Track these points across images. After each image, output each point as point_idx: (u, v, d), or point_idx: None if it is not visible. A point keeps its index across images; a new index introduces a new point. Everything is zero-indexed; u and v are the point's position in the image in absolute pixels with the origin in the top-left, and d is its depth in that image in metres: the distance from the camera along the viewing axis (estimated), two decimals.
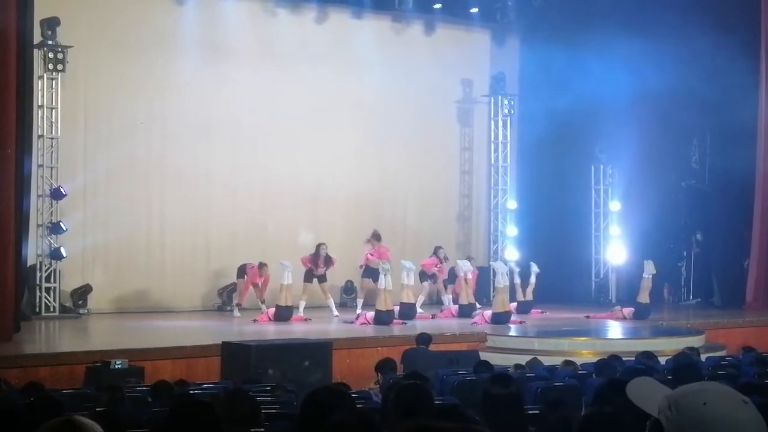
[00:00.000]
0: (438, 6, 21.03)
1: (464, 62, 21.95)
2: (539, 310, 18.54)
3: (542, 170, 21.40)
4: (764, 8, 19.26)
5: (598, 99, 19.96)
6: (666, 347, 13.43)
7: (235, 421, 5.91)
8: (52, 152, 17.23)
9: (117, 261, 18.42)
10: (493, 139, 22.12)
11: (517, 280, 18.52)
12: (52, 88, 17.22)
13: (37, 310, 16.81)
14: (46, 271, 17.00)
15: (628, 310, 17.98)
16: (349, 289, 19.83)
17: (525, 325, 16.77)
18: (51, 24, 17.08)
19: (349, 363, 13.17)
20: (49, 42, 17.06)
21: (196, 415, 4.05)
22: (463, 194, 22.31)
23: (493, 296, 18.29)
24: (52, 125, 17.25)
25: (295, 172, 19.73)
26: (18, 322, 14.53)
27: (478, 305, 17.98)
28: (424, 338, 12.98)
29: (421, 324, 16.06)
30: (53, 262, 17.07)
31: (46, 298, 16.91)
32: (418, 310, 17.59)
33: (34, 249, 16.79)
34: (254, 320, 16.66)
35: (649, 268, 18.11)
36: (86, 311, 17.50)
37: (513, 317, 17.08)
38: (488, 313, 16.88)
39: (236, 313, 17.50)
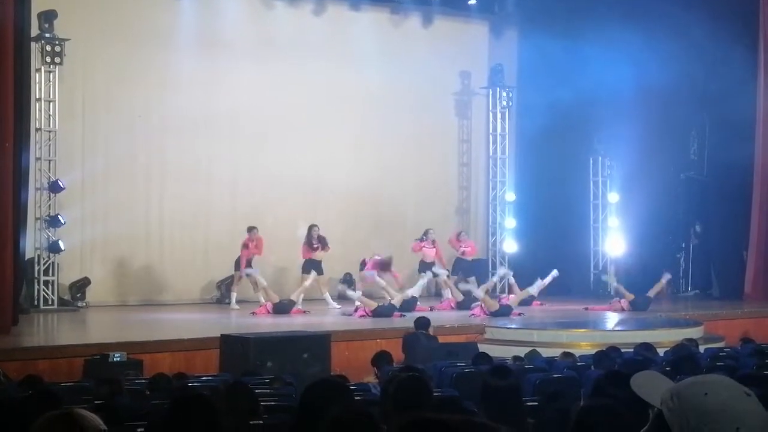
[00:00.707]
0: None
1: (462, 54, 21.92)
2: (538, 302, 18.54)
3: (541, 162, 21.38)
4: (762, 0, 19.25)
5: (596, 90, 19.93)
6: (665, 339, 13.43)
7: (235, 414, 5.92)
8: (50, 145, 17.21)
9: (115, 254, 18.42)
10: (491, 131, 22.10)
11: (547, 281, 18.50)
12: (49, 81, 17.20)
13: (36, 303, 16.81)
14: (44, 264, 16.99)
15: (626, 302, 17.99)
16: (348, 281, 19.80)
17: (524, 317, 16.77)
18: (48, 17, 17.05)
19: (348, 355, 13.18)
20: (47, 35, 17.02)
21: (195, 408, 4.05)
22: (462, 186, 22.31)
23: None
24: (49, 118, 17.22)
25: (293, 165, 19.71)
26: (16, 315, 14.52)
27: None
28: (423, 323, 13.08)
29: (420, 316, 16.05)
30: (51, 255, 17.06)
31: (44, 291, 16.90)
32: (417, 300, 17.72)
33: (32, 242, 16.79)
34: (253, 313, 16.66)
35: (666, 277, 18.39)
36: (85, 304, 17.50)
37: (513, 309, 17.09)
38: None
39: (233, 305, 17.49)
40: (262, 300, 17.17)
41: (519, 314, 16.99)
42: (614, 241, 21.44)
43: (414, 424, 1.92)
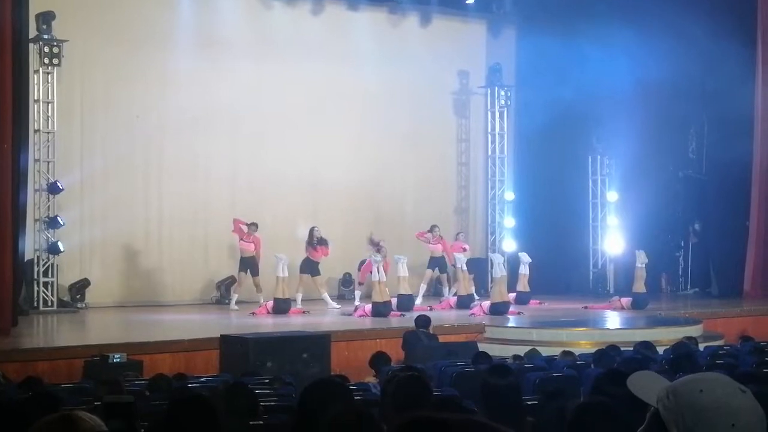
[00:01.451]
0: None
1: (460, 53, 21.92)
2: (537, 301, 18.55)
3: (539, 161, 21.38)
4: None
5: (595, 89, 19.95)
6: (664, 337, 13.45)
7: (235, 415, 5.92)
8: (48, 147, 17.20)
9: (115, 255, 18.41)
10: (489, 130, 22.10)
11: (525, 271, 18.52)
12: (47, 83, 17.19)
13: (35, 304, 16.80)
14: (43, 265, 16.98)
15: (626, 301, 18.00)
16: (347, 281, 19.84)
17: (523, 316, 16.78)
18: (46, 18, 17.04)
19: (348, 355, 13.19)
20: (45, 36, 17.01)
21: (194, 408, 4.05)
22: (461, 186, 22.31)
23: (491, 287, 18.31)
24: (48, 119, 17.22)
25: (292, 165, 19.71)
26: (16, 316, 14.52)
27: (476, 296, 18.01)
28: (423, 321, 13.13)
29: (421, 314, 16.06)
30: (51, 256, 17.05)
31: (43, 292, 16.90)
32: (420, 299, 17.70)
33: (31, 244, 16.79)
34: (252, 313, 16.66)
35: (641, 258, 18.16)
36: (84, 305, 17.49)
37: (511, 308, 17.09)
38: (486, 304, 16.90)
39: (233, 305, 17.49)
40: (262, 300, 17.17)
41: (518, 313, 17.00)
42: (613, 240, 21.44)
43: (414, 423, 1.92)
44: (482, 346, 12.76)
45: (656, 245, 20.97)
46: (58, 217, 17.07)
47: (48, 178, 17.12)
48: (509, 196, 21.75)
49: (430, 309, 17.09)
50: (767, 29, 19.43)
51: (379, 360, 10.22)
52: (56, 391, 7.06)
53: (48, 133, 17.20)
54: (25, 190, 15.84)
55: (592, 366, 9.27)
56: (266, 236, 18.01)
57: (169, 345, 12.76)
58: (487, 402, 5.16)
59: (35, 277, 16.86)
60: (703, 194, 21.16)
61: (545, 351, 11.83)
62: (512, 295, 17.88)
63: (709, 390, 2.29)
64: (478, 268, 20.55)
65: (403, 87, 20.81)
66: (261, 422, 5.93)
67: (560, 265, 20.68)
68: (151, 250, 18.73)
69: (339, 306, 17.58)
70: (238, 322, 16.02)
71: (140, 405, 6.81)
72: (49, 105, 17.21)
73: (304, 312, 16.96)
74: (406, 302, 16.93)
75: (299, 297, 17.36)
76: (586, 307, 18.28)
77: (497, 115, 21.96)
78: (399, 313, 16.32)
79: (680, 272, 21.78)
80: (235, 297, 17.67)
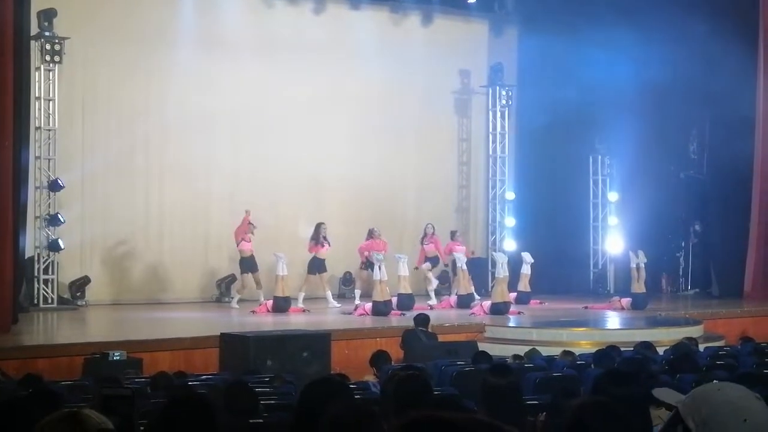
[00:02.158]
0: None
1: (462, 53, 21.91)
2: (538, 301, 18.54)
3: (540, 161, 21.37)
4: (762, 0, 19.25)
5: (596, 89, 19.94)
6: (664, 337, 13.45)
7: (235, 413, 5.92)
8: (49, 144, 17.21)
9: (115, 253, 18.42)
10: (491, 130, 22.09)
11: (527, 271, 18.50)
12: (49, 80, 17.19)
13: (36, 301, 16.81)
14: (44, 262, 16.99)
15: (626, 301, 17.99)
16: (347, 280, 19.84)
17: (523, 316, 16.78)
18: (48, 15, 17.04)
19: (348, 354, 13.19)
20: (46, 33, 17.01)
21: (191, 407, 4.04)
22: (461, 185, 22.30)
23: (492, 286, 18.30)
24: (49, 117, 17.22)
25: (293, 164, 19.71)
26: (16, 313, 14.53)
27: (476, 296, 18.01)
28: (422, 320, 13.14)
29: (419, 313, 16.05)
30: (51, 253, 17.06)
31: (44, 289, 16.90)
32: (433, 299, 17.83)
33: (32, 241, 16.79)
34: (252, 311, 16.67)
35: (640, 257, 18.13)
36: (84, 303, 17.49)
37: (512, 308, 17.08)
38: (487, 303, 16.90)
39: (234, 304, 17.49)
40: (262, 298, 17.17)
41: (519, 313, 16.99)
42: (614, 240, 21.44)
43: (417, 422, 1.92)
44: (482, 346, 12.77)
45: (657, 246, 20.95)
46: (59, 215, 17.07)
47: (49, 175, 17.12)
48: (510, 195, 21.75)
49: (431, 308, 17.09)
50: None
51: (379, 359, 10.22)
52: (57, 389, 7.06)
53: (49, 130, 17.20)
54: (26, 187, 15.84)
55: (592, 366, 9.27)
56: (267, 235, 18.02)
57: (169, 343, 12.76)
58: (487, 402, 5.15)
59: (36, 274, 16.87)
60: (704, 195, 21.15)
61: (545, 351, 11.83)
62: (513, 294, 17.88)
63: (725, 391, 2.53)
64: (479, 267, 20.54)
65: (405, 86, 20.80)
66: (261, 420, 5.93)
67: (561, 265, 20.66)
68: (151, 248, 18.73)
69: (339, 305, 17.59)
70: (238, 320, 16.01)
71: (141, 403, 6.81)
72: (51, 102, 17.21)
73: (304, 311, 16.96)
74: (406, 301, 16.93)
75: (301, 296, 17.36)
76: (586, 307, 18.28)
77: (498, 114, 21.95)
78: (399, 312, 16.32)
79: (681, 273, 21.77)
80: (237, 296, 17.67)
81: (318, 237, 17.61)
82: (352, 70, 20.27)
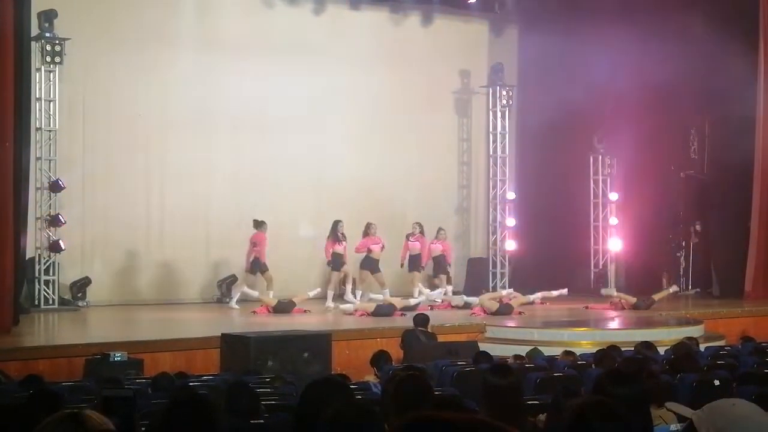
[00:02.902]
0: None
1: (462, 53, 21.91)
2: (540, 301, 18.52)
3: (541, 161, 21.36)
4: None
5: (596, 89, 19.92)
6: (665, 337, 13.45)
7: (237, 413, 5.93)
8: (50, 145, 17.21)
9: (116, 253, 18.42)
10: (491, 129, 22.08)
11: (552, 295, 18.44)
12: (49, 81, 17.19)
13: (36, 302, 16.81)
14: (45, 263, 16.99)
15: (627, 301, 17.99)
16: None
17: (524, 316, 16.77)
18: (48, 16, 17.04)
19: (349, 354, 13.20)
20: (47, 34, 17.01)
21: (192, 408, 4.04)
22: (462, 185, 22.30)
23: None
24: (50, 118, 17.22)
25: (293, 164, 19.72)
26: (17, 314, 14.53)
27: (467, 298, 18.02)
28: (421, 320, 13.14)
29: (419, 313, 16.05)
30: (52, 254, 17.06)
31: (45, 290, 16.90)
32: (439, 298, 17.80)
33: (32, 242, 16.78)
34: (253, 312, 16.67)
35: (675, 288, 18.74)
36: (85, 304, 17.49)
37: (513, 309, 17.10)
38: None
39: (233, 304, 17.48)
40: (272, 296, 17.18)
41: (520, 313, 16.99)
42: (614, 240, 21.44)
43: (419, 423, 1.93)
44: (483, 346, 12.77)
45: (657, 245, 20.95)
46: (60, 216, 17.07)
47: (49, 176, 17.12)
48: (510, 195, 21.75)
49: (431, 309, 17.09)
50: None
51: (380, 359, 10.23)
52: (58, 390, 7.07)
53: (50, 131, 17.20)
54: (27, 188, 15.83)
55: (593, 366, 9.27)
56: (268, 236, 18.01)
57: (169, 343, 12.77)
58: (488, 402, 5.16)
59: (36, 275, 16.87)
60: (704, 194, 21.13)
61: (546, 351, 11.84)
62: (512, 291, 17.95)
63: (741, 406, 2.67)
64: (480, 267, 20.55)
65: (405, 86, 20.80)
66: (262, 421, 5.93)
67: (561, 264, 20.65)
68: (152, 249, 18.73)
69: (334, 305, 17.57)
70: (239, 321, 16.02)
71: (142, 403, 6.82)
72: (51, 103, 17.22)
73: (305, 311, 16.97)
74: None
75: (331, 294, 17.52)
76: (587, 307, 18.28)
77: (499, 114, 21.94)
78: (400, 312, 16.32)
79: (681, 272, 21.75)
80: (236, 296, 17.67)
81: (336, 234, 17.67)
82: (353, 71, 20.27)
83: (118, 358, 11.55)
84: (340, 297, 18.18)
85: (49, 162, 17.19)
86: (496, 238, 21.78)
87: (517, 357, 10.70)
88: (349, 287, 17.97)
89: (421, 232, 18.64)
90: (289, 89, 19.65)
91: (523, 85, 21.91)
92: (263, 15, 19.66)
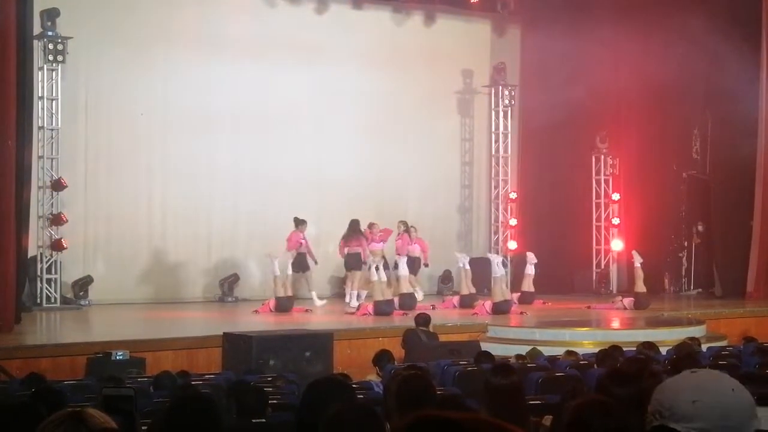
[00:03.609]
0: None
1: (464, 52, 21.91)
2: (541, 301, 18.52)
3: (543, 160, 21.37)
4: None
5: (599, 89, 19.92)
6: (667, 337, 13.44)
7: (243, 412, 5.93)
8: (52, 143, 17.22)
9: (118, 252, 18.43)
10: (493, 129, 22.08)
11: (531, 271, 18.38)
12: (52, 80, 17.20)
13: (38, 301, 16.82)
14: (47, 262, 17.00)
15: (628, 301, 17.99)
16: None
17: (526, 316, 16.77)
18: (51, 15, 17.05)
19: (350, 354, 13.20)
20: (49, 33, 17.03)
21: (196, 407, 4.05)
22: (464, 185, 22.30)
23: (492, 286, 18.25)
24: (52, 116, 17.23)
25: (295, 163, 19.72)
26: (19, 313, 14.54)
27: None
28: (422, 320, 13.14)
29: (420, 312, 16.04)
30: (54, 253, 17.07)
31: (47, 289, 16.91)
32: (419, 298, 17.70)
33: (34, 240, 16.79)
34: (255, 311, 16.68)
35: (637, 258, 18.16)
36: (87, 302, 17.49)
37: (514, 306, 17.09)
38: (489, 303, 16.89)
39: (316, 302, 17.54)
40: (314, 295, 17.28)
41: (521, 313, 16.99)
42: (616, 240, 21.43)
43: (420, 422, 1.93)
44: (485, 346, 12.76)
45: (659, 245, 20.95)
46: (62, 214, 17.08)
47: (52, 174, 17.13)
48: (513, 195, 21.75)
49: (433, 308, 17.09)
50: None
51: (382, 358, 10.23)
52: (60, 388, 7.07)
53: (52, 130, 17.22)
54: (29, 186, 15.85)
55: (595, 366, 9.26)
56: (268, 234, 18.02)
57: (171, 342, 12.77)
58: (490, 402, 5.16)
59: (38, 273, 16.88)
60: (706, 195, 21.12)
61: (548, 351, 11.82)
62: (516, 294, 17.90)
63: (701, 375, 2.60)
64: (481, 267, 20.52)
65: (407, 86, 20.80)
66: (264, 420, 5.93)
67: (563, 264, 20.66)
68: (154, 248, 18.74)
69: (324, 302, 17.60)
70: (240, 319, 16.02)
71: (144, 402, 6.82)
72: (54, 102, 17.23)
73: (306, 310, 16.97)
74: (408, 301, 16.92)
75: (355, 294, 17.41)
76: (589, 307, 18.27)
77: (501, 114, 21.94)
78: (402, 311, 16.32)
79: (683, 273, 21.75)
80: (314, 293, 17.68)
81: (361, 235, 17.66)
82: (354, 70, 20.27)
83: (120, 357, 11.55)
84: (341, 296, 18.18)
85: (52, 160, 17.20)
86: (498, 237, 21.78)
87: (518, 357, 10.70)
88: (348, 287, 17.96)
89: (406, 230, 18.59)
90: (291, 88, 19.66)
91: (525, 84, 21.90)
92: (265, 14, 19.67)
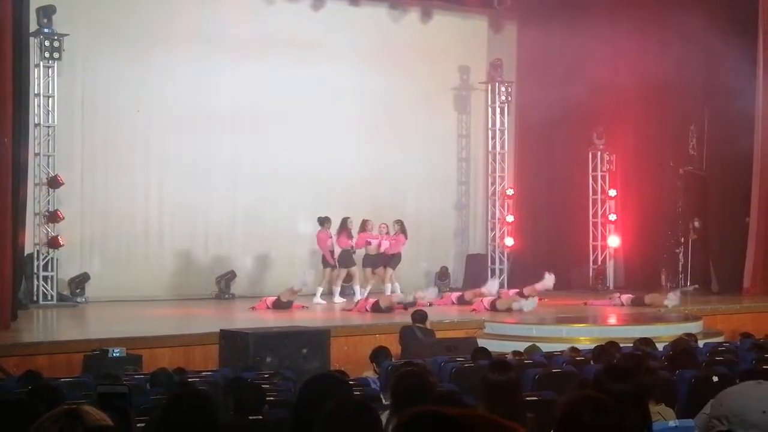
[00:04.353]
0: None
1: (461, 49, 21.89)
2: (538, 297, 18.50)
3: (540, 157, 21.37)
4: None
5: (596, 85, 19.91)
6: (664, 334, 13.47)
7: (238, 409, 5.93)
8: (48, 141, 17.19)
9: (115, 249, 18.41)
10: (490, 126, 22.06)
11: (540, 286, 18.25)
12: (48, 77, 17.17)
13: (35, 298, 16.80)
14: (43, 259, 16.98)
15: (626, 297, 18.00)
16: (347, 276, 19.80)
17: (523, 312, 16.76)
18: (47, 12, 17.02)
19: (347, 350, 13.21)
20: (45, 30, 16.99)
21: (193, 403, 4.05)
22: (461, 182, 22.29)
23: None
24: (48, 114, 17.20)
25: (292, 161, 19.71)
26: (15, 310, 14.53)
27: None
28: (419, 316, 13.15)
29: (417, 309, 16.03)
30: (50, 250, 17.04)
31: (43, 286, 16.89)
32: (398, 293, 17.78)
33: (31, 238, 16.78)
34: (252, 308, 16.68)
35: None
36: (84, 300, 17.47)
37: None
38: (487, 300, 16.89)
39: (336, 299, 17.72)
40: (357, 291, 17.48)
41: (520, 311, 16.97)
42: (613, 236, 21.44)
43: (418, 418, 1.93)
44: (482, 342, 12.76)
45: (656, 241, 20.96)
46: (58, 212, 17.06)
47: (48, 172, 17.11)
48: (510, 192, 21.74)
49: (431, 305, 17.09)
50: None
51: (379, 354, 10.22)
52: (57, 385, 7.07)
53: (48, 127, 17.19)
54: (25, 184, 15.84)
55: (592, 362, 9.27)
56: (267, 233, 18.00)
57: (168, 339, 12.78)
58: (487, 398, 5.16)
59: (35, 271, 16.86)
60: (703, 191, 21.13)
61: (545, 347, 11.84)
62: (514, 291, 17.92)
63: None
64: (478, 263, 20.54)
65: (404, 82, 20.79)
66: (260, 417, 5.93)
67: (560, 261, 20.66)
68: (151, 245, 18.73)
69: (325, 302, 17.61)
70: (237, 316, 16.02)
71: (141, 399, 6.82)
72: (50, 99, 17.20)
73: (303, 307, 16.97)
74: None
75: (362, 290, 17.54)
76: (585, 303, 18.28)
77: (498, 111, 21.91)
78: (402, 306, 16.34)
79: (680, 269, 21.76)
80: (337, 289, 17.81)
81: (348, 230, 17.68)
82: (351, 67, 20.25)
83: (117, 354, 11.55)
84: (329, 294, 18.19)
85: (48, 158, 17.18)
86: (495, 234, 21.78)
87: (516, 353, 10.71)
88: (339, 284, 17.97)
89: (401, 231, 18.56)
90: (288, 85, 19.63)
91: (522, 81, 21.88)
92: (262, 12, 19.64)
